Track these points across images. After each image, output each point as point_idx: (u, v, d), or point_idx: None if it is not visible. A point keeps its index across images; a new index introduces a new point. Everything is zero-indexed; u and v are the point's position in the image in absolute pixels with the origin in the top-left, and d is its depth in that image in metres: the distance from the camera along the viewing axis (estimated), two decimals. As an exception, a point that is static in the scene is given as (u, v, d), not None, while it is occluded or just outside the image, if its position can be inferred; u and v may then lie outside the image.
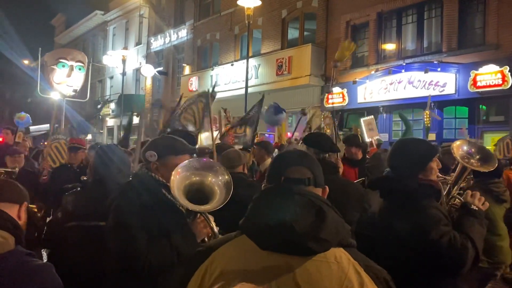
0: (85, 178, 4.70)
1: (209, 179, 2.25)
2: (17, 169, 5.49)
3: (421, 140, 2.91)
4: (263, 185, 1.60)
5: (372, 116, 8.59)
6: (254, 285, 1.27)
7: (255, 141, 6.97)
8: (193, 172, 2.24)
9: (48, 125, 34.26)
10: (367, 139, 7.48)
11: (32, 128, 36.86)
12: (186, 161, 2.30)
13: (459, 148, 3.03)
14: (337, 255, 1.33)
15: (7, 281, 1.63)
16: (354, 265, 1.33)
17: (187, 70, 21.56)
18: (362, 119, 8.25)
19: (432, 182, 2.47)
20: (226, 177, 2.27)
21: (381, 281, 1.34)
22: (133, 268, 2.13)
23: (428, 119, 8.69)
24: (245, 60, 15.37)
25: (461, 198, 2.61)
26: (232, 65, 17.75)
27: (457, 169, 3.08)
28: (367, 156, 5.66)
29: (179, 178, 2.17)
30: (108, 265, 2.37)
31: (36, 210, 3.06)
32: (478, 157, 2.99)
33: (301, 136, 9.35)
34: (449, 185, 2.98)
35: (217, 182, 2.25)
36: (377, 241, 2.41)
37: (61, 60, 10.17)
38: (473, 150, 3.02)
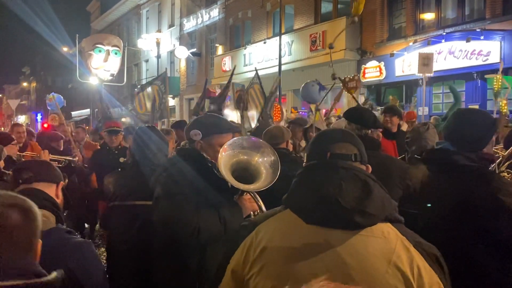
0: (122, 160, 4.84)
1: (256, 159, 2.24)
2: (76, 158, 5.70)
3: (483, 111, 2.70)
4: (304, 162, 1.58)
5: (433, 53, 8.07)
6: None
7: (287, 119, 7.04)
8: (240, 151, 2.23)
9: (88, 110, 35.37)
10: (418, 74, 7.24)
11: (73, 113, 38.20)
12: (235, 138, 2.30)
13: None
14: (385, 230, 1.30)
15: (49, 257, 1.69)
16: (402, 241, 1.30)
17: (220, 50, 21.55)
18: (419, 52, 7.91)
19: (492, 155, 2.33)
20: (273, 158, 2.24)
21: (431, 257, 1.30)
22: (181, 235, 2.13)
23: (498, 83, 8.27)
24: (278, 37, 15.18)
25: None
26: (264, 43, 17.57)
27: None
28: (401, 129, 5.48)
29: (226, 155, 2.17)
30: (155, 238, 2.37)
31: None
32: None
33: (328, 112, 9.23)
34: (499, 160, 2.79)
35: (264, 163, 2.23)
36: (428, 219, 2.28)
37: (97, 46, 10.41)
38: None
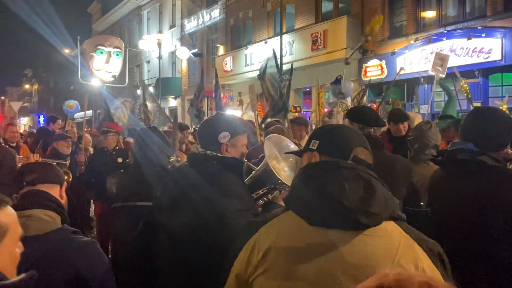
0: (120, 161, 4.83)
1: (283, 173, 2.23)
2: (68, 161, 5.70)
3: (500, 109, 2.62)
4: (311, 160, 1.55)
5: (449, 55, 7.99)
6: None
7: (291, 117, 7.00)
8: (282, 157, 2.24)
9: (91, 111, 35.45)
10: (431, 72, 7.27)
11: (76, 114, 38.31)
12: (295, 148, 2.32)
13: None
14: (388, 229, 1.29)
15: (56, 257, 1.73)
16: (406, 239, 1.29)
17: (221, 50, 21.54)
18: (436, 52, 7.92)
19: (509, 155, 2.31)
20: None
21: (435, 255, 1.30)
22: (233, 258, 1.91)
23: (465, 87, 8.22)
24: (279, 37, 15.18)
25: None
26: (265, 42, 17.55)
27: None
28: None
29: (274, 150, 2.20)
30: (179, 252, 2.08)
31: None
32: None
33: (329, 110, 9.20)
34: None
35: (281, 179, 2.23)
36: (446, 220, 2.23)
37: (99, 47, 10.42)
38: None
